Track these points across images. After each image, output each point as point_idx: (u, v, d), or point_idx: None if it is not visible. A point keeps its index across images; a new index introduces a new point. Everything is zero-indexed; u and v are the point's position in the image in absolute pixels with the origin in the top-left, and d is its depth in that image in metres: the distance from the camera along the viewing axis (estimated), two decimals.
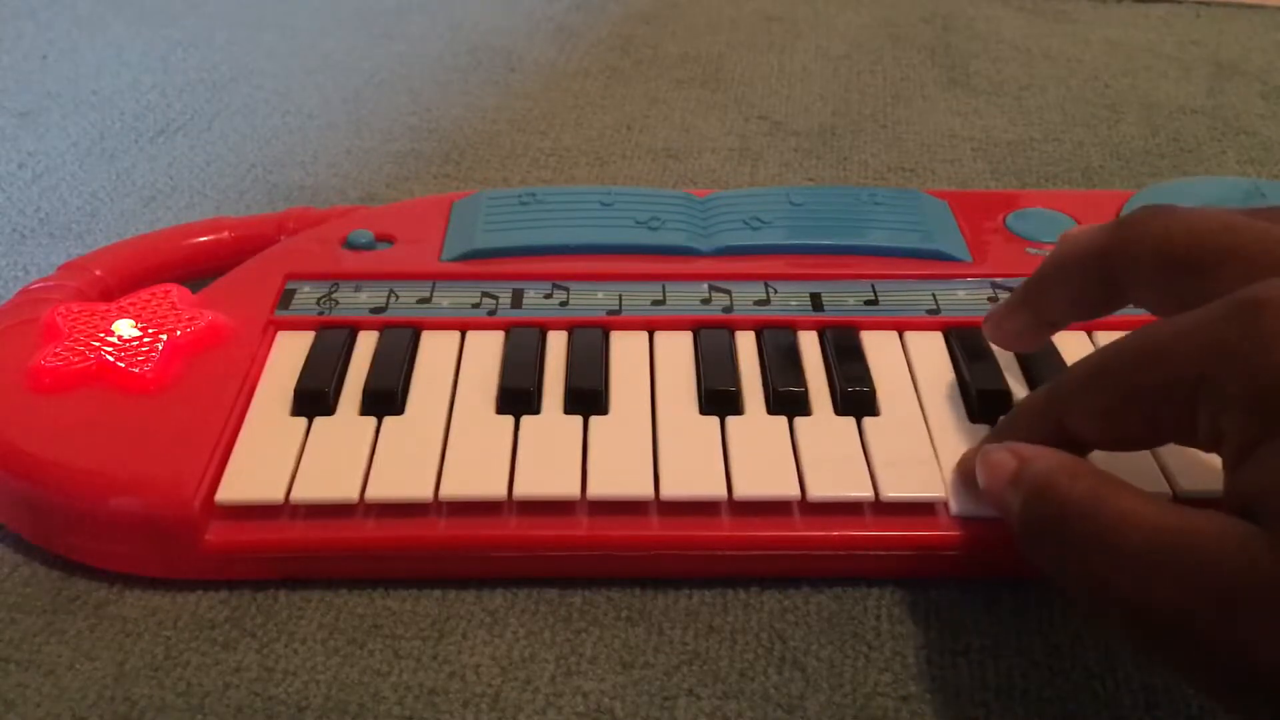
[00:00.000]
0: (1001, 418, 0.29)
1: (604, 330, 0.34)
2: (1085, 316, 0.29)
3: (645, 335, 0.34)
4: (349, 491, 0.29)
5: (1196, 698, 0.26)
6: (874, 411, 0.31)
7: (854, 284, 0.36)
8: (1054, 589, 0.29)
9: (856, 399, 0.32)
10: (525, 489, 0.29)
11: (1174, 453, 0.29)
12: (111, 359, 0.32)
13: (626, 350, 0.34)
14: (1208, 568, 0.20)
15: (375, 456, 0.30)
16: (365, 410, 0.31)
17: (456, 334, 0.34)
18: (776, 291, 0.36)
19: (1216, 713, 0.26)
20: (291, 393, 0.32)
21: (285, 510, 0.29)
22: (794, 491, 0.29)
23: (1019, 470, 0.25)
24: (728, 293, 0.36)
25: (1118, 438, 0.25)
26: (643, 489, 0.29)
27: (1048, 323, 0.30)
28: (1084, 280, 0.27)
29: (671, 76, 0.60)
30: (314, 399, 0.32)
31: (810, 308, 0.35)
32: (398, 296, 0.36)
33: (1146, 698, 0.26)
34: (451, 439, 0.30)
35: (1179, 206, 0.26)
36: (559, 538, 0.29)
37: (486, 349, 0.34)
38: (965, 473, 0.29)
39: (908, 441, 0.30)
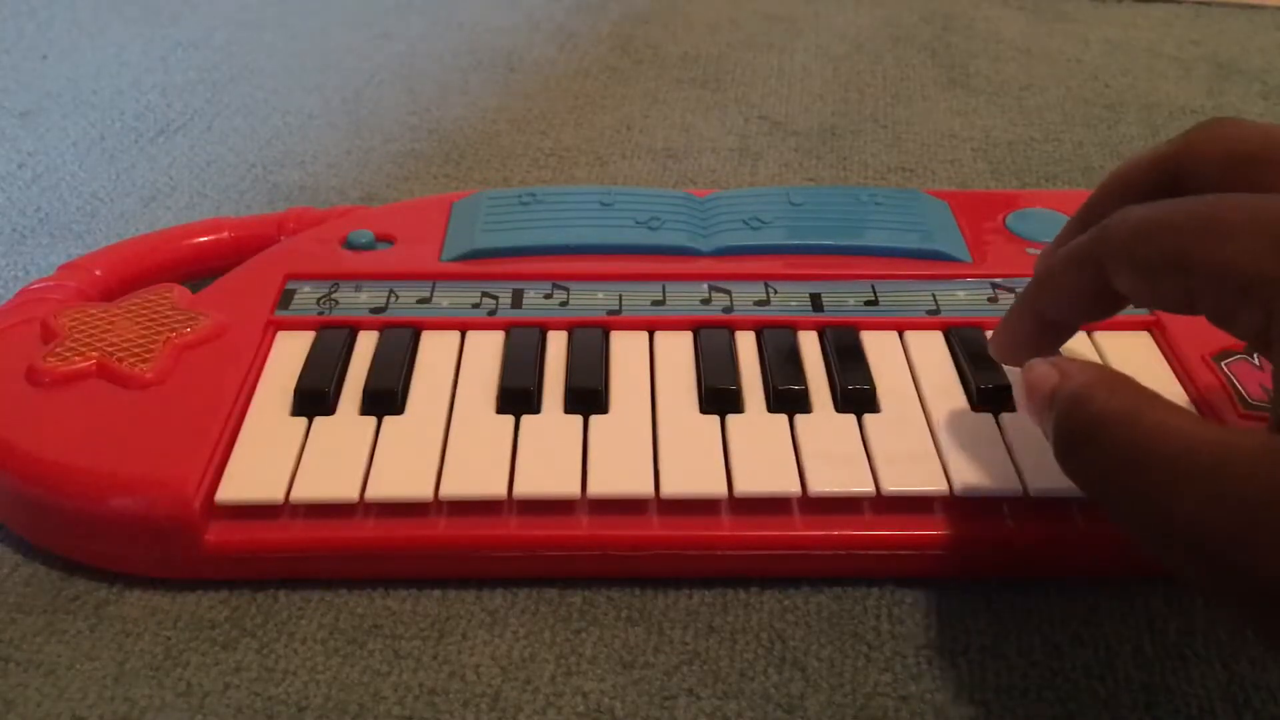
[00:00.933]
0: (1039, 257, 0.28)
1: (604, 330, 0.34)
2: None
3: (645, 335, 0.34)
4: (349, 491, 0.29)
5: (1196, 698, 0.26)
6: (874, 409, 0.31)
7: (854, 284, 0.36)
8: (1053, 587, 0.29)
9: (857, 397, 0.32)
10: (525, 488, 0.29)
11: None
12: (111, 359, 0.32)
13: (626, 350, 0.34)
14: (1243, 481, 0.20)
15: (375, 456, 0.30)
16: (365, 410, 0.31)
17: (456, 334, 0.34)
18: (776, 292, 0.36)
19: (1216, 713, 0.26)
20: (291, 393, 0.32)
21: (285, 510, 0.29)
22: (794, 487, 0.29)
23: (1060, 384, 0.24)
24: (728, 293, 0.36)
25: (1155, 298, 0.25)
26: (643, 487, 0.29)
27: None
28: (1150, 191, 0.26)
29: (671, 76, 0.60)
30: (314, 399, 0.32)
31: (810, 308, 0.35)
32: (398, 296, 0.36)
33: (1146, 698, 0.26)
34: (451, 439, 0.30)
35: (1230, 118, 0.25)
36: (559, 537, 0.29)
37: (486, 349, 0.34)
38: (1000, 355, 0.29)
39: (908, 437, 0.30)
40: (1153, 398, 0.23)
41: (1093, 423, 0.23)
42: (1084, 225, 0.27)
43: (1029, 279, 0.28)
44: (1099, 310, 0.27)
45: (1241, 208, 0.22)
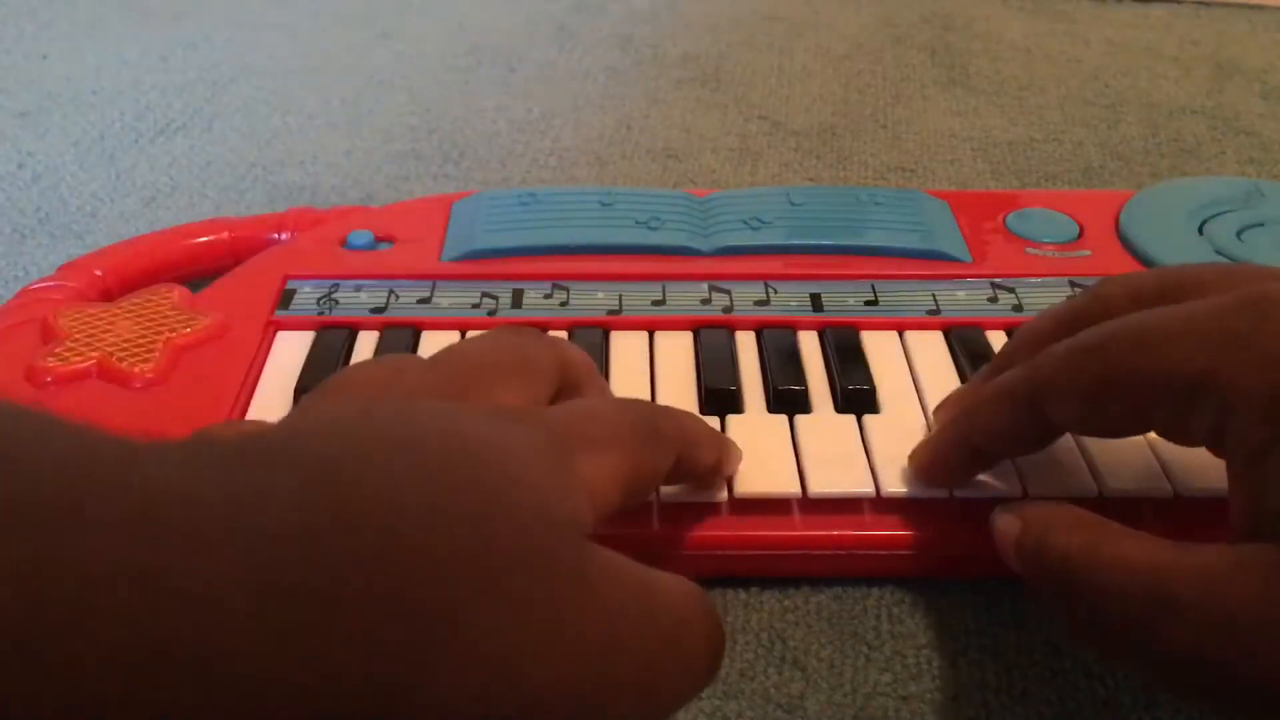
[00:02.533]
0: (968, 392, 0.28)
1: (604, 330, 0.34)
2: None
3: (645, 335, 0.34)
4: None
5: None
6: (874, 409, 0.31)
7: (854, 284, 0.36)
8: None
9: (857, 397, 0.32)
10: None
11: (1174, 452, 0.29)
12: (111, 359, 0.32)
13: (626, 350, 0.34)
14: (1220, 602, 0.19)
15: None
16: None
17: (456, 334, 0.34)
18: (776, 291, 0.36)
19: (1215, 713, 0.26)
20: (292, 393, 0.32)
21: None
22: (794, 488, 0.29)
23: (1022, 534, 0.24)
24: (728, 293, 0.36)
25: (1099, 425, 0.25)
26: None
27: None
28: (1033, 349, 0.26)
29: (671, 76, 0.60)
30: None
31: (810, 308, 0.35)
32: (398, 297, 0.36)
33: (1147, 698, 0.26)
34: None
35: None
36: None
37: None
38: (922, 473, 0.28)
39: (909, 438, 0.30)
40: (1110, 530, 0.22)
41: (1060, 566, 0.23)
42: (997, 371, 0.27)
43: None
44: (1033, 443, 0.26)
45: (1168, 316, 0.22)
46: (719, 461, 0.26)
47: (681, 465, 0.23)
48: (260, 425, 0.18)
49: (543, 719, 0.16)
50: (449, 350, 0.22)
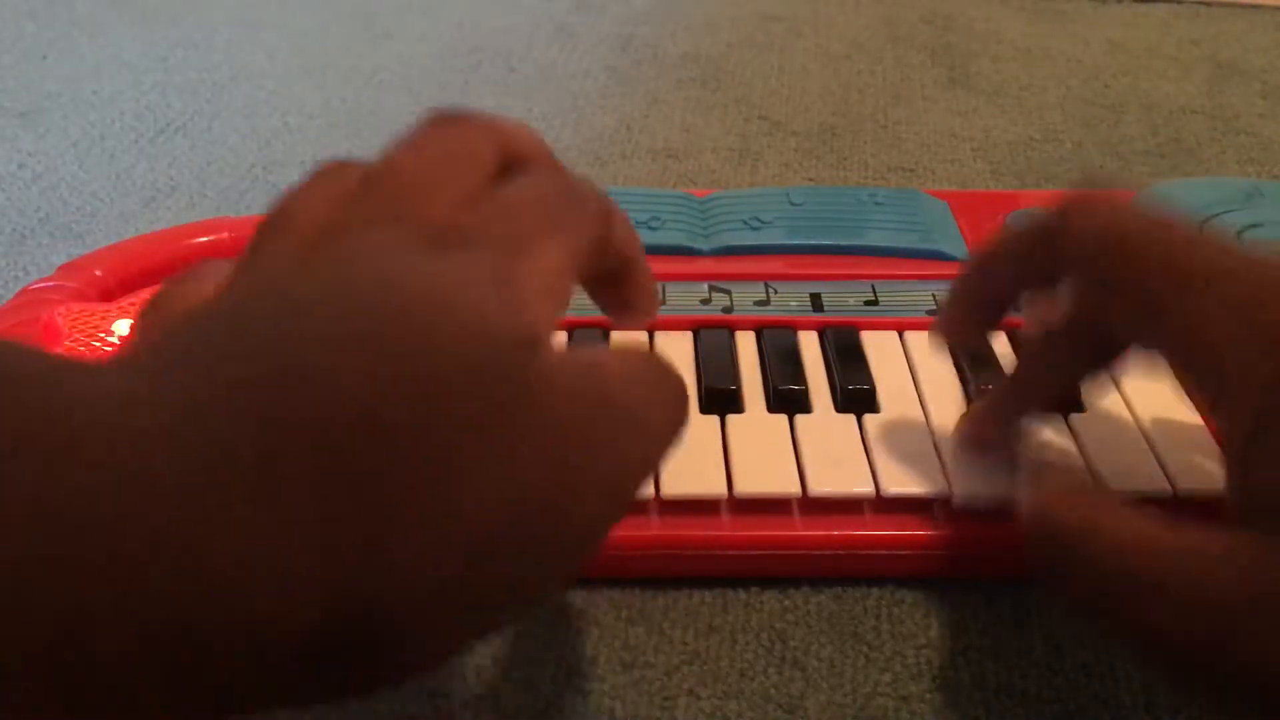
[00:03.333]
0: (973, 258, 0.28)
1: (604, 330, 0.34)
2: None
3: (645, 335, 0.34)
4: None
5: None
6: (874, 409, 0.31)
7: (854, 284, 0.36)
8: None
9: (857, 397, 0.32)
10: None
11: (1174, 452, 0.29)
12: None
13: None
14: (1214, 589, 0.20)
15: None
16: None
17: None
18: (776, 291, 0.36)
19: (1200, 699, 0.26)
20: None
21: None
22: (795, 488, 0.29)
23: (1030, 504, 0.24)
24: (728, 293, 0.36)
25: (1098, 312, 0.25)
26: (643, 487, 0.29)
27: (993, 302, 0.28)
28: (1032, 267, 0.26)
29: (671, 76, 0.60)
30: None
31: (810, 308, 0.35)
32: None
33: (1146, 698, 0.26)
34: None
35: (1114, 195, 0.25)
36: None
37: None
38: (945, 332, 0.29)
39: (909, 438, 0.30)
40: (1109, 506, 0.22)
41: (1056, 540, 0.23)
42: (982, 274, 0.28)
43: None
44: (1039, 284, 0.27)
45: (1210, 263, 0.22)
46: (634, 242, 0.24)
47: (603, 239, 0.22)
48: (200, 303, 0.18)
49: (513, 549, 0.16)
50: (387, 159, 0.21)
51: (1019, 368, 0.29)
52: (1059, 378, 0.28)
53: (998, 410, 0.29)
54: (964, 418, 0.30)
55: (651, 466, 0.20)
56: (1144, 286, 0.23)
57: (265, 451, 0.14)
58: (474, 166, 0.21)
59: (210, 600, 0.13)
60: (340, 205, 0.20)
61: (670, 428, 0.20)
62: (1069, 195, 0.25)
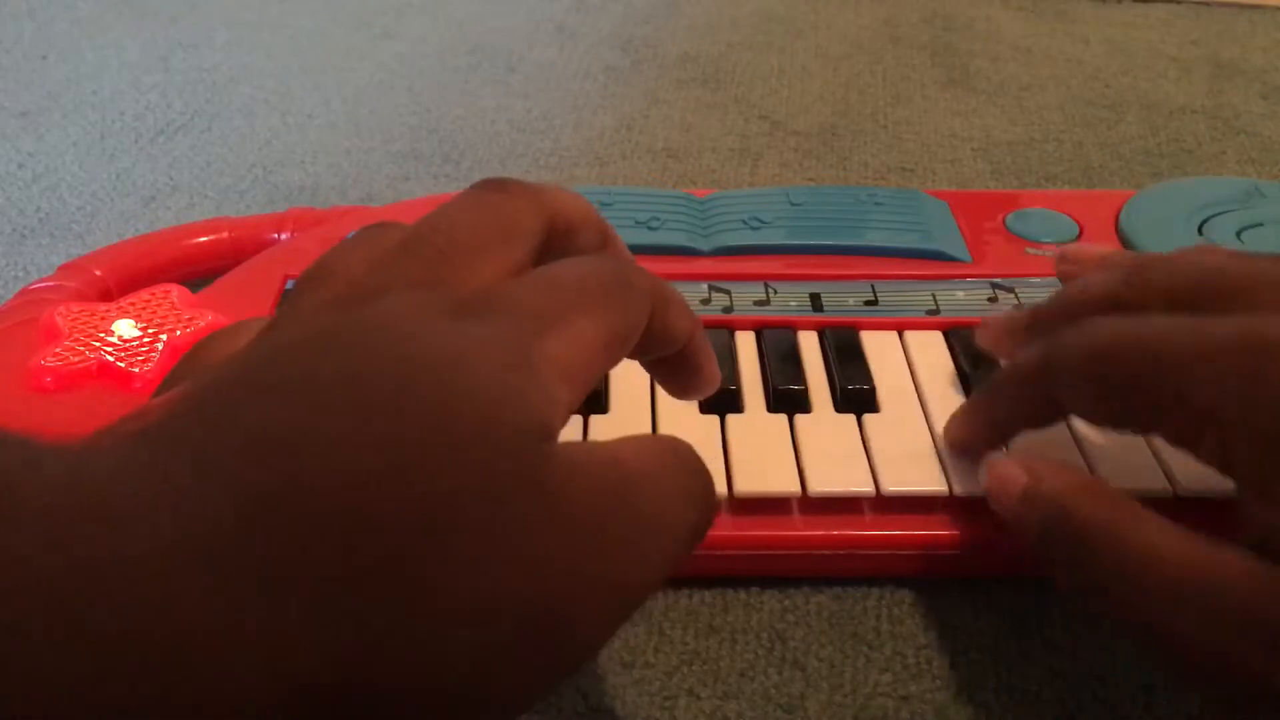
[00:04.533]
0: (996, 376, 0.29)
1: None
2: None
3: None
4: None
5: (1195, 698, 0.26)
6: (874, 409, 0.31)
7: (854, 284, 0.36)
8: (1057, 591, 0.29)
9: (856, 397, 0.32)
10: None
11: (1174, 452, 0.29)
12: (111, 359, 0.32)
13: None
14: (1237, 608, 0.20)
15: None
16: None
17: None
18: (776, 292, 0.36)
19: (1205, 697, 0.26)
20: None
21: None
22: (794, 488, 0.29)
23: (1031, 487, 0.25)
24: (727, 293, 0.36)
25: (1109, 423, 0.25)
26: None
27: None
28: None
29: (671, 76, 0.60)
30: None
31: (810, 308, 0.35)
32: None
33: (1146, 698, 0.26)
34: None
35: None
36: None
37: None
38: (952, 443, 0.29)
39: (908, 438, 0.30)
40: (1133, 509, 0.23)
41: (1079, 536, 0.23)
42: (1037, 323, 0.28)
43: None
44: (1045, 421, 0.28)
45: (1188, 336, 0.22)
46: (694, 328, 0.24)
47: (655, 324, 0.22)
48: (200, 377, 0.18)
49: (521, 646, 0.16)
50: (429, 223, 0.21)
51: (993, 398, 0.29)
52: (1030, 417, 0.28)
53: (978, 416, 0.29)
54: (951, 420, 0.30)
55: (669, 572, 0.19)
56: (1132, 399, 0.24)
57: (265, 548, 0.14)
58: (517, 236, 0.21)
59: (186, 688, 0.13)
60: (377, 265, 0.20)
61: (692, 529, 0.20)
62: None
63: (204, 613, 0.13)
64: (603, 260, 0.21)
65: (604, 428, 0.31)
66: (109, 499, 0.14)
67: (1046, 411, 0.27)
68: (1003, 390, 0.28)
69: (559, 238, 0.22)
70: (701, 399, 0.27)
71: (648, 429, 0.31)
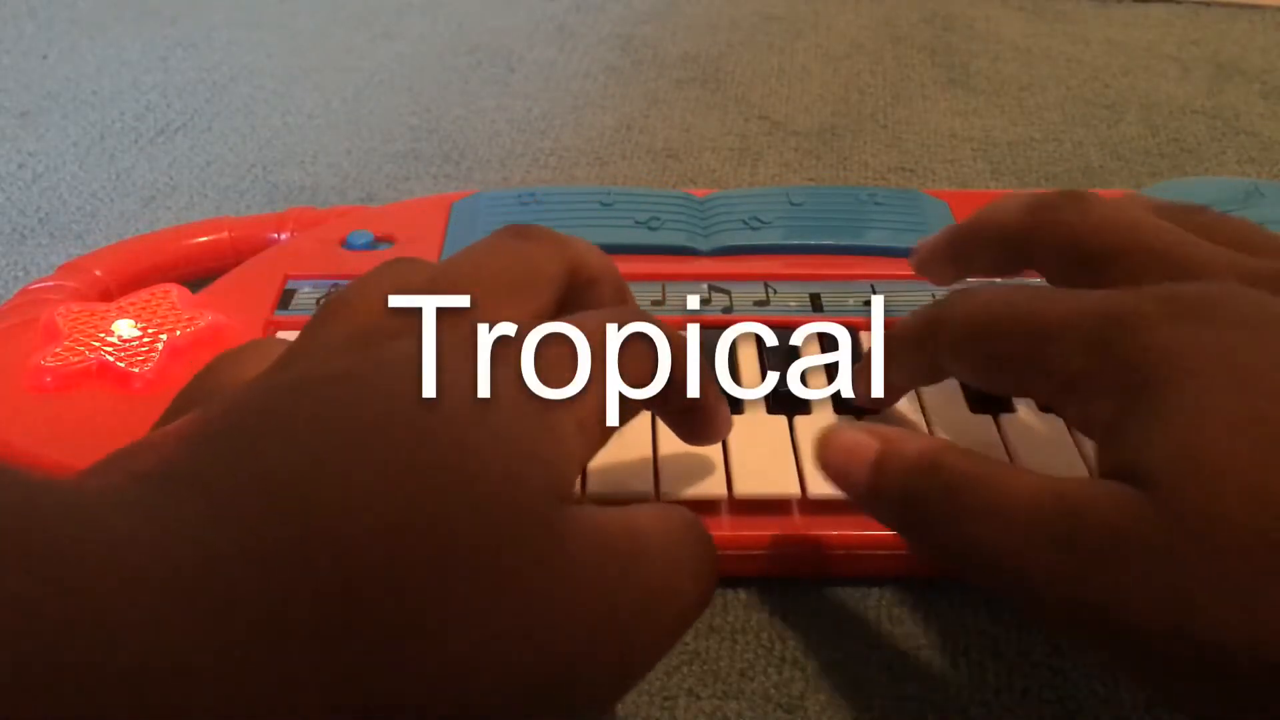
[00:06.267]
0: (886, 339, 0.28)
1: None
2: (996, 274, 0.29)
3: None
4: None
5: None
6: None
7: (854, 284, 0.36)
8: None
9: None
10: None
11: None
12: (111, 359, 0.32)
13: None
14: (1090, 529, 0.19)
15: None
16: None
17: None
18: (776, 292, 0.36)
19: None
20: None
21: None
22: (794, 489, 0.29)
23: (885, 451, 0.23)
24: (727, 293, 0.36)
25: (990, 388, 0.26)
26: (643, 488, 0.29)
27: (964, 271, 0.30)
28: (997, 252, 0.28)
29: (671, 76, 0.60)
30: None
31: (810, 308, 0.35)
32: None
33: (1146, 698, 0.26)
34: None
35: (1091, 197, 0.26)
36: None
37: None
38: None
39: None
40: (997, 462, 0.22)
41: (948, 489, 0.22)
42: (947, 256, 0.29)
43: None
44: (933, 379, 0.28)
45: (1058, 306, 0.23)
46: (708, 382, 0.25)
47: (673, 380, 0.22)
48: (213, 407, 0.18)
49: (522, 705, 0.16)
50: (453, 266, 0.21)
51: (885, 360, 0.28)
52: (920, 379, 0.29)
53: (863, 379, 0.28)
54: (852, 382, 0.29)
55: (676, 639, 0.19)
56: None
57: (275, 594, 0.14)
58: (541, 283, 0.21)
59: None
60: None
61: (700, 599, 0.20)
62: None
63: (209, 658, 0.13)
64: (624, 315, 0.22)
65: None
66: (120, 542, 0.14)
67: (934, 375, 0.27)
68: (893, 354, 0.27)
69: (579, 289, 0.23)
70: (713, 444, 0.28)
71: (647, 430, 0.31)
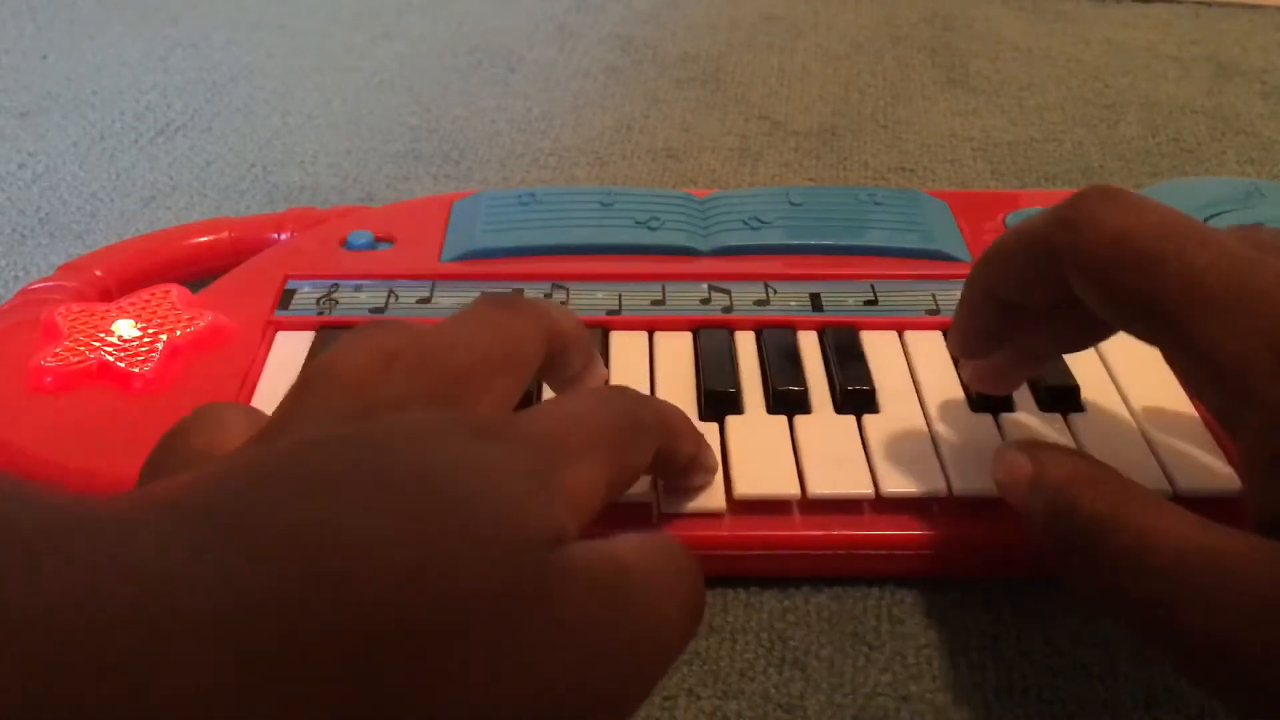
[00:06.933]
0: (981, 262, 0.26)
1: (604, 330, 0.34)
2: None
3: (645, 335, 0.34)
4: None
5: (1196, 697, 0.26)
6: (874, 409, 0.31)
7: (854, 284, 0.36)
8: (1062, 589, 0.29)
9: (856, 397, 0.32)
10: None
11: (1173, 451, 0.29)
12: (111, 359, 0.32)
13: (626, 350, 0.34)
14: (1239, 591, 0.19)
15: None
16: None
17: None
18: (776, 291, 0.36)
19: (1217, 713, 0.26)
20: None
21: None
22: (794, 489, 0.29)
23: (1037, 475, 0.24)
24: (727, 293, 0.36)
25: (1112, 319, 0.24)
26: (642, 488, 0.29)
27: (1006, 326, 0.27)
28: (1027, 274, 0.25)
29: (671, 76, 0.60)
30: None
31: (810, 308, 0.35)
32: (398, 297, 0.36)
33: (1146, 698, 0.26)
34: None
35: (1124, 196, 0.23)
36: None
37: None
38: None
39: (908, 438, 0.30)
40: (1137, 495, 0.22)
41: (1082, 529, 0.22)
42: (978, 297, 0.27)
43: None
44: (1051, 293, 0.25)
45: (1228, 276, 0.21)
46: (698, 452, 0.27)
47: (662, 456, 0.24)
48: (222, 463, 0.18)
49: None
50: (442, 339, 0.21)
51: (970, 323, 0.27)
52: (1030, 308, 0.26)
53: (971, 313, 0.27)
54: (952, 332, 0.28)
55: (665, 668, 0.19)
56: (1162, 307, 0.22)
57: (294, 647, 0.14)
58: (526, 358, 0.22)
59: None
60: (389, 371, 0.20)
61: (683, 635, 0.20)
62: (1072, 198, 0.23)
63: (231, 696, 0.14)
64: (618, 398, 0.23)
65: None
66: (147, 569, 0.14)
67: (1051, 285, 0.24)
68: (999, 259, 0.25)
69: (553, 357, 0.24)
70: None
71: None
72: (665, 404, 0.25)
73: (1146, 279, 0.22)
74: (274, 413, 0.21)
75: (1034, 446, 0.25)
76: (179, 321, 0.34)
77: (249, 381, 0.32)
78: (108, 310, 0.34)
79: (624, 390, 0.24)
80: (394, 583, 0.15)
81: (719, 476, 0.29)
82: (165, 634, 0.13)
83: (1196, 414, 0.31)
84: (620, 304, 0.35)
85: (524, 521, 0.17)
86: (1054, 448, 0.25)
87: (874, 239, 0.38)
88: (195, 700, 0.13)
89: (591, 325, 0.34)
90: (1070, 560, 0.23)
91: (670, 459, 0.25)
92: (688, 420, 0.26)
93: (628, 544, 0.19)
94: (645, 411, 0.23)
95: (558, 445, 0.20)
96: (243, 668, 0.14)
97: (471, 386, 0.21)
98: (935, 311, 0.35)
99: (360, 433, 0.18)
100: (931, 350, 0.34)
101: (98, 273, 0.38)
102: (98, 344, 0.33)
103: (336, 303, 0.35)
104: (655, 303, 0.35)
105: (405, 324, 0.22)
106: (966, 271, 0.36)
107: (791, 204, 0.40)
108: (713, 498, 0.28)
